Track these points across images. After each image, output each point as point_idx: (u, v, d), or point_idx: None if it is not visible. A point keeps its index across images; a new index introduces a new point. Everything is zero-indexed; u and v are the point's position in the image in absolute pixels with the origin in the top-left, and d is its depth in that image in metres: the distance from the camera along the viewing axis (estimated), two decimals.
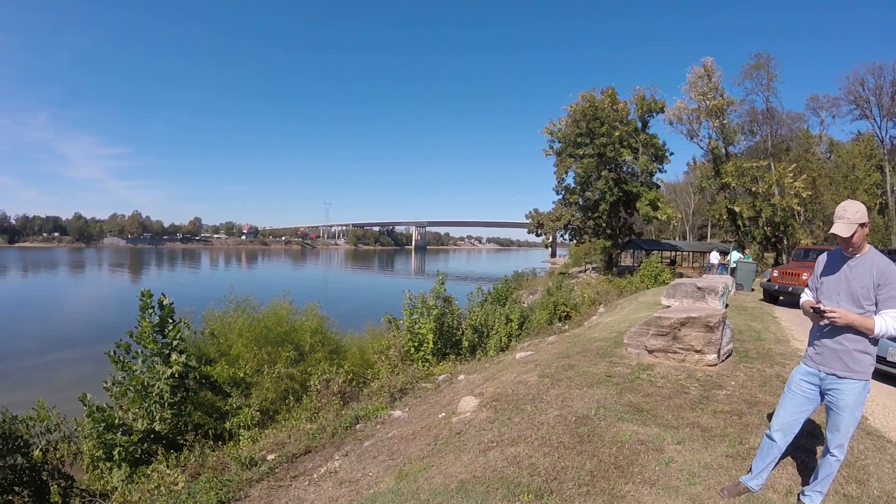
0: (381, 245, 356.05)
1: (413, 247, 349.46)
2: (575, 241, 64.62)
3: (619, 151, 51.93)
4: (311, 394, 13.75)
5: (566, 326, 22.61)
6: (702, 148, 59.62)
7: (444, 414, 9.14)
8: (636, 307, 21.34)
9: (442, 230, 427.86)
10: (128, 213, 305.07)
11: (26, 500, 9.51)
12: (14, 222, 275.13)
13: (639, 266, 46.17)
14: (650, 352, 10.49)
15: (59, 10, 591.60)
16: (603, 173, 52.32)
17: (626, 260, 71.21)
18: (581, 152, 53.22)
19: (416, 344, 17.51)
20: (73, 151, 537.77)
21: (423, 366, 16.34)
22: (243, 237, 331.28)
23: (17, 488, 9.72)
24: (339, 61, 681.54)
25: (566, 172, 55.35)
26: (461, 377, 12.75)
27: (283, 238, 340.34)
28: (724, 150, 56.92)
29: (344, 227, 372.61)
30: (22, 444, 10.51)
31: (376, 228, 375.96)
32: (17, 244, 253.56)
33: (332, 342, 19.45)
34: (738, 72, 56.99)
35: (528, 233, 61.81)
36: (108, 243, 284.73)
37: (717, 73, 54.39)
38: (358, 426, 10.04)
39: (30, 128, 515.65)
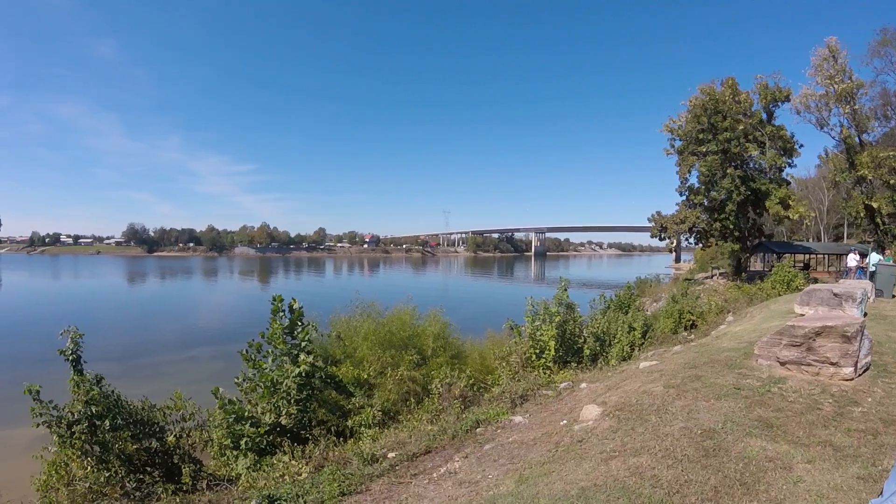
0: (500, 252, 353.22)
1: (532, 253, 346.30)
2: (700, 245, 60.95)
3: (744, 146, 48.16)
4: (433, 396, 13.98)
5: (692, 336, 21.88)
6: (833, 138, 52.26)
7: (565, 421, 9.07)
8: (767, 315, 20.31)
9: (562, 236, 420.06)
10: (256, 224, 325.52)
11: (157, 479, 10.25)
12: (153, 234, 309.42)
13: (769, 271, 43.10)
14: (782, 364, 9.97)
15: (183, 44, 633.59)
16: (728, 171, 48.68)
17: (756, 265, 66.55)
18: (704, 149, 49.68)
19: (537, 351, 17.33)
20: (204, 169, 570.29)
21: (545, 373, 16.20)
22: (365, 245, 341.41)
23: (149, 468, 10.59)
24: (460, 64, 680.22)
25: (689, 172, 51.97)
26: (583, 385, 12.59)
27: (404, 246, 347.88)
28: (857, 139, 49.91)
29: (463, 235, 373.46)
30: (158, 429, 11.53)
31: (495, 235, 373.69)
32: (155, 254, 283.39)
33: (453, 347, 19.58)
34: (865, 50, 50.87)
35: (651, 237, 58.63)
36: (239, 252, 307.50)
37: (842, 53, 48.26)
38: (478, 430, 10.12)
39: (163, 150, 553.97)
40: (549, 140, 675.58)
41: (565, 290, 19.14)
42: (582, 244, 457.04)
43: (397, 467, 8.65)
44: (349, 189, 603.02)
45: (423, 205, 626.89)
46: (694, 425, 7.36)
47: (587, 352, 18.53)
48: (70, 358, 10.90)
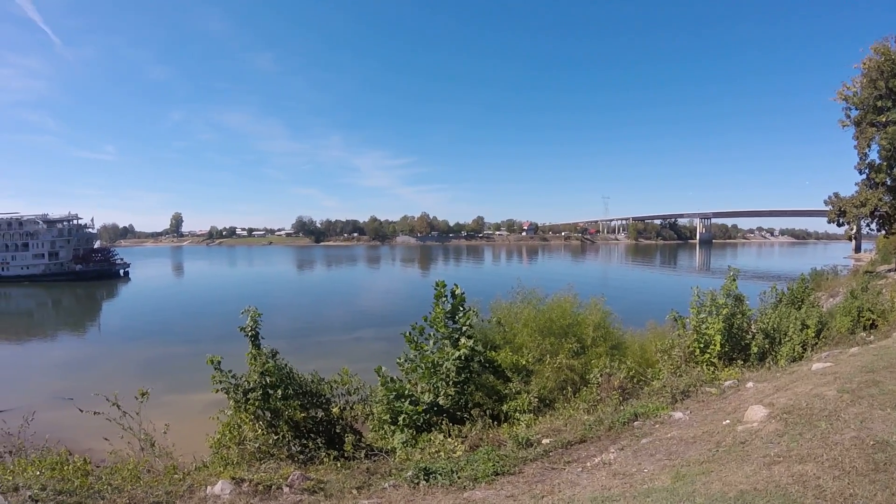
0: (662, 239, 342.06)
1: (697, 240, 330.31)
2: (883, 232, 52.53)
3: None
4: (591, 386, 13.89)
5: (871, 337, 20.26)
6: None
7: (728, 421, 8.78)
8: None
9: (728, 221, 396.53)
10: (416, 214, 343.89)
11: (320, 445, 11.05)
12: (319, 225, 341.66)
13: None
14: None
15: (331, 56, 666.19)
16: None
17: None
18: (883, 119, 42.26)
19: (701, 345, 16.61)
20: (365, 164, 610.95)
21: (708, 369, 15.56)
22: (523, 233, 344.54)
23: (313, 435, 11.47)
24: (616, 44, 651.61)
25: (868, 146, 44.48)
26: (749, 384, 12.07)
27: (563, 233, 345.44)
28: None
29: (624, 221, 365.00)
30: (324, 401, 12.51)
31: (657, 221, 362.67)
32: (321, 243, 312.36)
33: (613, 337, 19.26)
34: None
35: (829, 222, 51.73)
36: (400, 241, 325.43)
37: None
38: (636, 423, 10.00)
39: (326, 149, 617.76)
40: (715, 121, 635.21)
41: (734, 280, 18.06)
42: (751, 231, 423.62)
43: (551, 453, 8.74)
44: (506, 177, 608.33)
45: (582, 191, 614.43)
46: (866, 435, 6.90)
47: (754, 349, 17.51)
48: (249, 334, 12.09)
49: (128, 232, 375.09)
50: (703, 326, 16.71)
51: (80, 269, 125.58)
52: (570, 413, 12.43)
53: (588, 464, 7.93)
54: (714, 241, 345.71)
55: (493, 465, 8.25)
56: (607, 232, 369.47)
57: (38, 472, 9.22)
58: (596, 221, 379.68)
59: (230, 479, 8.43)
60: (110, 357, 44.65)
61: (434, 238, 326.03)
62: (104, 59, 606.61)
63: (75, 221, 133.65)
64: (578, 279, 74.01)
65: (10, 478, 8.88)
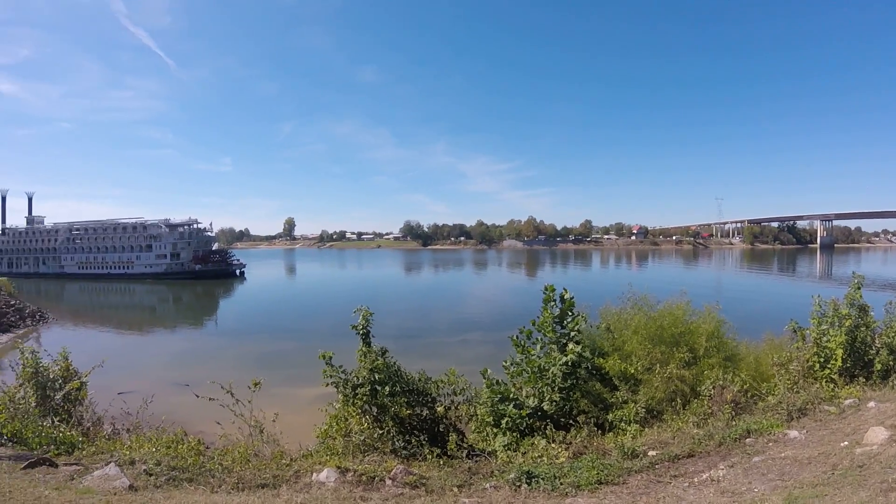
0: (780, 243, 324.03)
1: (818, 245, 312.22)
2: None
3: None
4: (703, 399, 13.48)
5: None
6: None
7: (846, 443, 8.37)
8: None
9: (851, 223, 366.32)
10: (523, 218, 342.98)
11: (423, 442, 11.41)
12: (427, 229, 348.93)
13: None
14: None
15: (441, 60, 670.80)
16: None
17: None
18: None
19: (821, 360, 15.72)
20: (471, 170, 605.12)
21: (828, 385, 14.71)
22: (633, 237, 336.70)
23: (417, 432, 11.93)
24: (729, 33, 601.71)
25: None
26: (871, 404, 11.42)
27: (674, 237, 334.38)
28: None
29: (738, 224, 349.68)
30: (430, 399, 12.91)
31: (774, 224, 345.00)
32: (429, 247, 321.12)
33: (727, 348, 18.45)
34: None
35: None
36: (507, 245, 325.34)
37: None
38: (748, 440, 9.67)
39: (432, 155, 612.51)
40: (839, 116, 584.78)
41: (858, 288, 16.89)
42: (875, 234, 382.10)
43: (657, 466, 8.57)
44: (614, 179, 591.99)
45: (694, 193, 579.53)
46: None
47: (878, 366, 16.39)
48: (361, 332, 12.71)
49: (243, 235, 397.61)
50: (824, 339, 15.72)
51: (199, 268, 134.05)
52: (678, 425, 12.13)
53: (695, 479, 7.74)
54: (836, 245, 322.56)
55: (597, 473, 8.19)
56: (721, 236, 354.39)
57: (153, 449, 9.97)
58: (709, 224, 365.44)
59: (336, 467, 8.76)
60: (225, 350, 46.77)
61: (541, 242, 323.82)
62: (217, 78, 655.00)
63: (195, 225, 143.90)
64: (691, 285, 71.83)
65: (128, 452, 9.57)
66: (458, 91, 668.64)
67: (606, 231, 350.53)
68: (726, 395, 13.02)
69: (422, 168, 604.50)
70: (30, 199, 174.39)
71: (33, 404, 12.39)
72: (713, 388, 13.48)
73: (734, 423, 11.06)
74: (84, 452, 10.20)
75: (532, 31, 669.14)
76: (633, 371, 15.80)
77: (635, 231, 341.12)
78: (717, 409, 12.51)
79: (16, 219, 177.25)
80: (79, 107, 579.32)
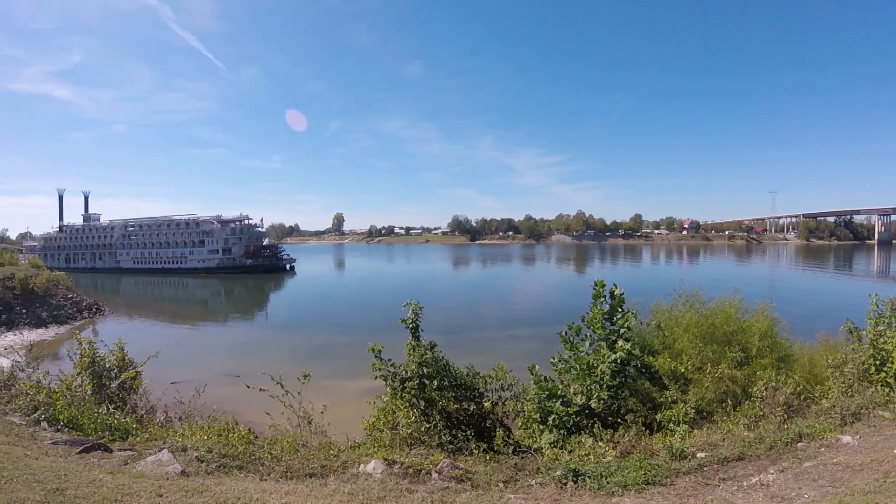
0: (836, 239, 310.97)
1: (876, 240, 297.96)
2: None
3: None
4: (754, 400, 13.25)
5: None
6: None
7: None
8: None
9: None
10: (572, 212, 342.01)
11: (469, 437, 11.41)
12: (475, 224, 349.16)
13: None
14: None
15: (488, 52, 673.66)
16: None
17: None
18: None
19: (877, 362, 15.27)
20: (518, 164, 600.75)
21: (883, 389, 14.30)
22: (684, 232, 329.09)
23: (463, 427, 11.87)
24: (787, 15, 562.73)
25: None
26: None
27: (727, 232, 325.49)
28: None
29: (793, 219, 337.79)
30: (477, 394, 12.96)
31: (831, 219, 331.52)
32: (477, 242, 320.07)
33: (781, 349, 18.01)
34: None
35: None
36: (556, 240, 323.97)
37: None
38: (799, 444, 9.51)
39: (479, 150, 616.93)
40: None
41: None
42: None
43: (705, 468, 8.49)
44: (665, 172, 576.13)
45: (746, 187, 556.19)
46: None
47: None
48: (410, 326, 12.84)
49: (293, 230, 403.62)
50: (881, 340, 15.19)
51: (250, 263, 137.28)
52: (728, 427, 11.93)
53: (744, 483, 7.64)
54: (894, 241, 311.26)
55: (644, 473, 8.15)
56: (775, 231, 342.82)
57: (205, 437, 10.27)
58: (762, 219, 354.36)
59: (383, 459, 8.90)
60: (275, 342, 47.52)
61: (590, 237, 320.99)
62: (266, 78, 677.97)
63: (246, 221, 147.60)
64: (744, 282, 70.29)
65: (180, 439, 9.85)
66: (506, 83, 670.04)
67: (657, 226, 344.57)
68: (779, 397, 12.77)
69: (469, 162, 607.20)
70: (86, 198, 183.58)
71: (89, 392, 12.89)
72: (765, 389, 13.24)
73: (786, 426, 10.85)
74: (138, 439, 10.52)
75: (581, 19, 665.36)
76: (683, 370, 15.59)
77: (686, 225, 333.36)
78: (769, 412, 12.30)
79: (73, 216, 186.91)
80: (132, 109, 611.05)
